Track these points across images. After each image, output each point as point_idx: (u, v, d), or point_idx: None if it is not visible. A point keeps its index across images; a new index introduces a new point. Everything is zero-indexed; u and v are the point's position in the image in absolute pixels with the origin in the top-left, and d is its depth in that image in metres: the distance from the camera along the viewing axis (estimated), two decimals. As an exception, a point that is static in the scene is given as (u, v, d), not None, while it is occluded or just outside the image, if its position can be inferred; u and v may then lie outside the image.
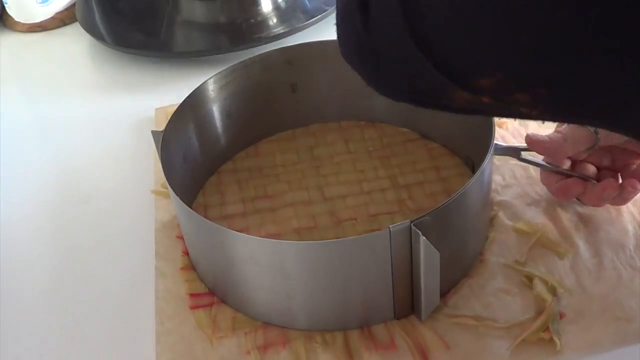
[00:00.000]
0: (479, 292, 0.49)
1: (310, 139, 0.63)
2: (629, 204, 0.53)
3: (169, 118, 0.53)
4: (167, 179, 0.48)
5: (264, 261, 0.45)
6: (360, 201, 0.56)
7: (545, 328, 0.45)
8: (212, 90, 0.57)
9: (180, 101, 0.55)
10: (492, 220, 0.53)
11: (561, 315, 0.46)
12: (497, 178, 0.57)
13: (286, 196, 0.58)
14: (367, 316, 0.47)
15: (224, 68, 0.58)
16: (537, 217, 0.53)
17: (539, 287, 0.48)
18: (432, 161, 0.59)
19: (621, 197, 0.51)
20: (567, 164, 0.52)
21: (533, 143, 0.51)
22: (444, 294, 0.49)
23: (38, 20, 0.86)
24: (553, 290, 0.48)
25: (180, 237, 0.55)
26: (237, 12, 0.80)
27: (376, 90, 0.33)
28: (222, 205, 0.58)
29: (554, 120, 0.32)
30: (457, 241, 0.47)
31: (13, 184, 0.64)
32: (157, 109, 0.69)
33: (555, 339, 0.44)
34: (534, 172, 0.57)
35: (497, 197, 0.55)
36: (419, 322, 0.47)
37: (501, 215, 0.54)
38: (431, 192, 0.57)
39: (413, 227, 0.42)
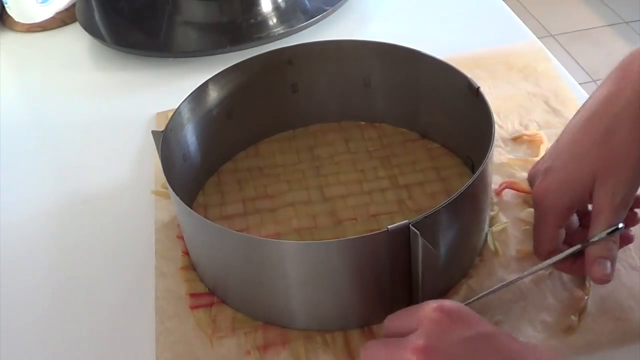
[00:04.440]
0: (478, 292, 0.48)
1: (310, 139, 0.63)
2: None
3: None
4: (167, 179, 0.48)
5: (264, 261, 0.45)
6: (360, 201, 0.56)
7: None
8: (212, 90, 0.57)
9: (180, 102, 0.55)
10: (492, 220, 0.53)
11: (561, 315, 0.46)
12: (497, 178, 0.57)
13: (286, 196, 0.58)
14: (366, 316, 0.47)
15: (224, 68, 0.58)
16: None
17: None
18: (432, 161, 0.59)
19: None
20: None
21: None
22: (444, 293, 0.49)
23: (38, 20, 0.86)
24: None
25: (181, 237, 0.55)
26: (237, 12, 0.80)
27: None
28: (222, 205, 0.58)
29: None
30: (457, 242, 0.47)
31: (13, 183, 0.64)
32: (158, 114, 0.68)
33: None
34: (534, 172, 0.57)
35: (497, 197, 0.55)
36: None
37: (501, 215, 0.54)
38: (431, 192, 0.57)
39: (412, 228, 0.42)
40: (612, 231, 0.44)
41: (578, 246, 0.45)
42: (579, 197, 0.46)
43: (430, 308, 0.39)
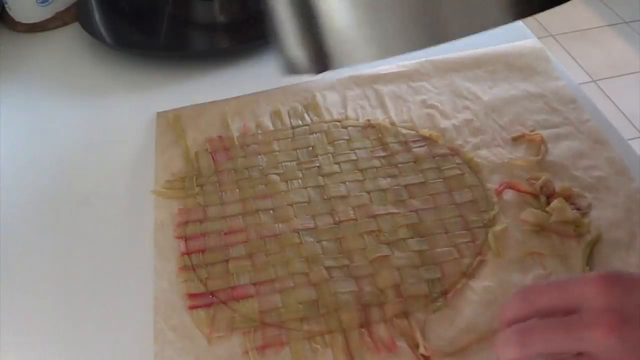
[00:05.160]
0: (479, 292, 0.49)
1: (310, 138, 0.63)
2: (630, 202, 0.53)
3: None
4: None
5: None
6: (360, 201, 0.56)
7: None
8: None
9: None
10: (492, 220, 0.53)
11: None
12: (497, 178, 0.57)
13: (286, 196, 0.58)
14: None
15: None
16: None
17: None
18: (433, 161, 0.59)
19: None
20: None
21: None
22: (445, 293, 0.49)
23: (38, 20, 0.86)
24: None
25: (179, 238, 0.55)
26: (237, 12, 0.80)
27: None
28: (222, 204, 0.57)
29: None
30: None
31: (12, 184, 0.64)
32: (158, 114, 0.68)
33: None
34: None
35: (498, 197, 0.55)
36: (420, 322, 0.47)
37: (502, 215, 0.54)
38: (432, 192, 0.56)
39: None
40: None
41: None
42: None
43: (592, 280, 0.35)
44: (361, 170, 0.59)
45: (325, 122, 0.64)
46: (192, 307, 0.50)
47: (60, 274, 0.55)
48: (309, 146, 0.62)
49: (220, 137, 0.64)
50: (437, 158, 0.59)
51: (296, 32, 0.36)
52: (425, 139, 0.61)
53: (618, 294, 0.35)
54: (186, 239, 0.55)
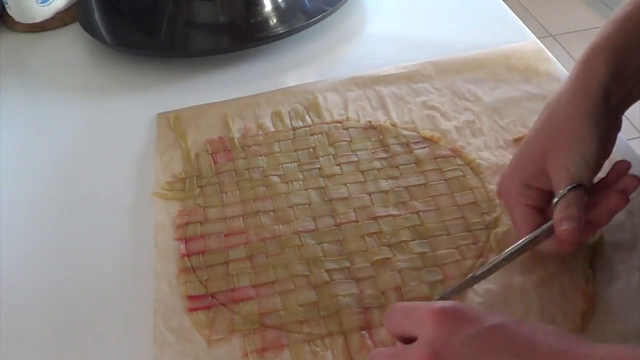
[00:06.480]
0: (481, 294, 0.48)
1: (311, 139, 0.63)
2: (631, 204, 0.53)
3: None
4: None
5: None
6: (361, 203, 0.56)
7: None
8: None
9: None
10: (494, 222, 0.53)
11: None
12: (498, 179, 0.57)
13: (286, 198, 0.57)
14: None
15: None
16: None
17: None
18: (434, 163, 0.59)
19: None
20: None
21: None
22: (445, 294, 0.48)
23: (38, 20, 0.85)
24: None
25: (179, 239, 0.54)
26: (237, 12, 0.80)
27: None
28: (222, 206, 0.57)
29: None
30: None
31: (12, 184, 0.64)
32: (159, 114, 0.68)
33: None
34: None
35: (499, 199, 0.55)
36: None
37: (504, 217, 0.54)
38: (433, 194, 0.56)
39: None
40: (570, 189, 0.45)
41: (549, 222, 0.46)
42: (531, 176, 0.49)
43: (430, 312, 0.39)
44: (362, 172, 0.59)
45: (326, 123, 0.64)
46: (191, 309, 0.50)
47: (60, 275, 0.55)
48: (310, 147, 0.62)
49: (221, 138, 0.64)
50: (438, 159, 0.59)
51: None
52: (427, 140, 0.61)
53: (446, 329, 0.38)
54: (186, 240, 0.55)
